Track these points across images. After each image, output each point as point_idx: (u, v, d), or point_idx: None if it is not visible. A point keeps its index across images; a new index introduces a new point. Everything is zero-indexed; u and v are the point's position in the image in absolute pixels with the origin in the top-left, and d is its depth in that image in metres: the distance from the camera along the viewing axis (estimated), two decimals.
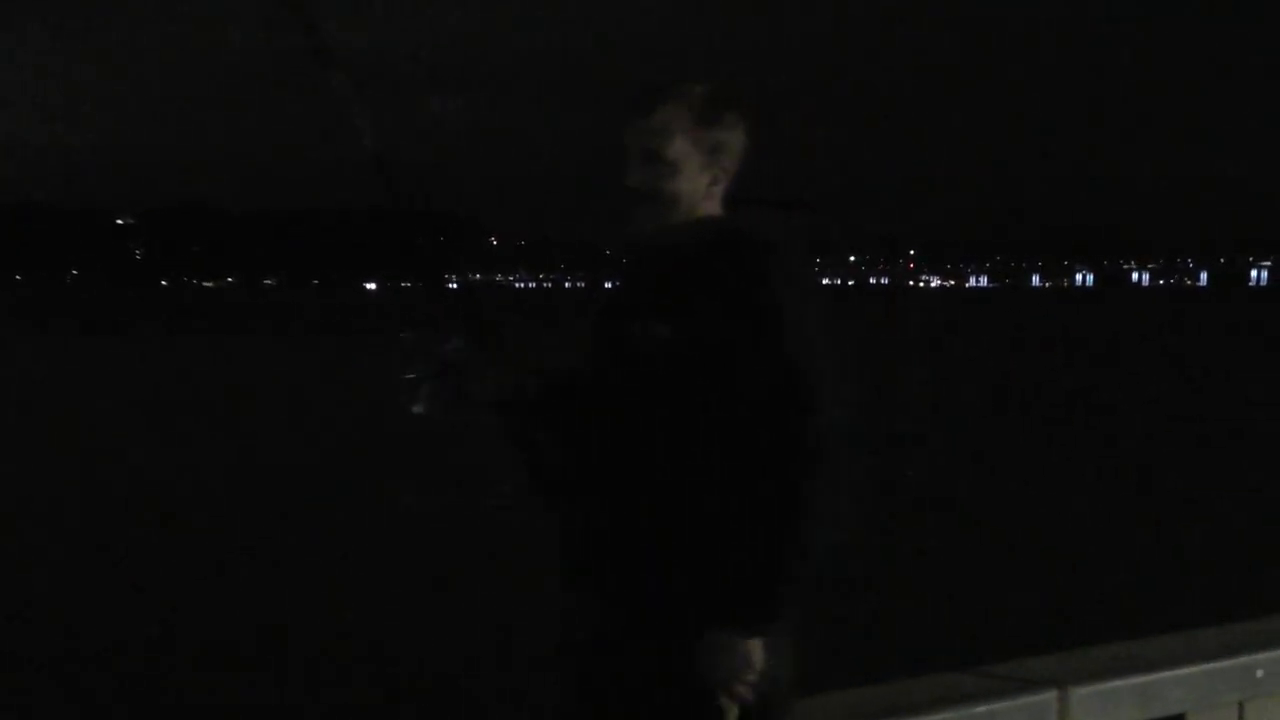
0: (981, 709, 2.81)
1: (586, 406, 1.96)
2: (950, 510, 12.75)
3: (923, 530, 11.38)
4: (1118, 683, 2.99)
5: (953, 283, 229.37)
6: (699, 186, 1.93)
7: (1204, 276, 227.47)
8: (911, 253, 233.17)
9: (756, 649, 1.82)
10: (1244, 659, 3.12)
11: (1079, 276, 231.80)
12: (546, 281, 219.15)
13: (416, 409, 1.91)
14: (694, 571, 1.84)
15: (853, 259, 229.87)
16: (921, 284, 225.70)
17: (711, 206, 1.96)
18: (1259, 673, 3.12)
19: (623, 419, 1.92)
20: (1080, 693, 2.93)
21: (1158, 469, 16.01)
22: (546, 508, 1.99)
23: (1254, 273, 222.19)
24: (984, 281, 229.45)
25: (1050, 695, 2.91)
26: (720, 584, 1.81)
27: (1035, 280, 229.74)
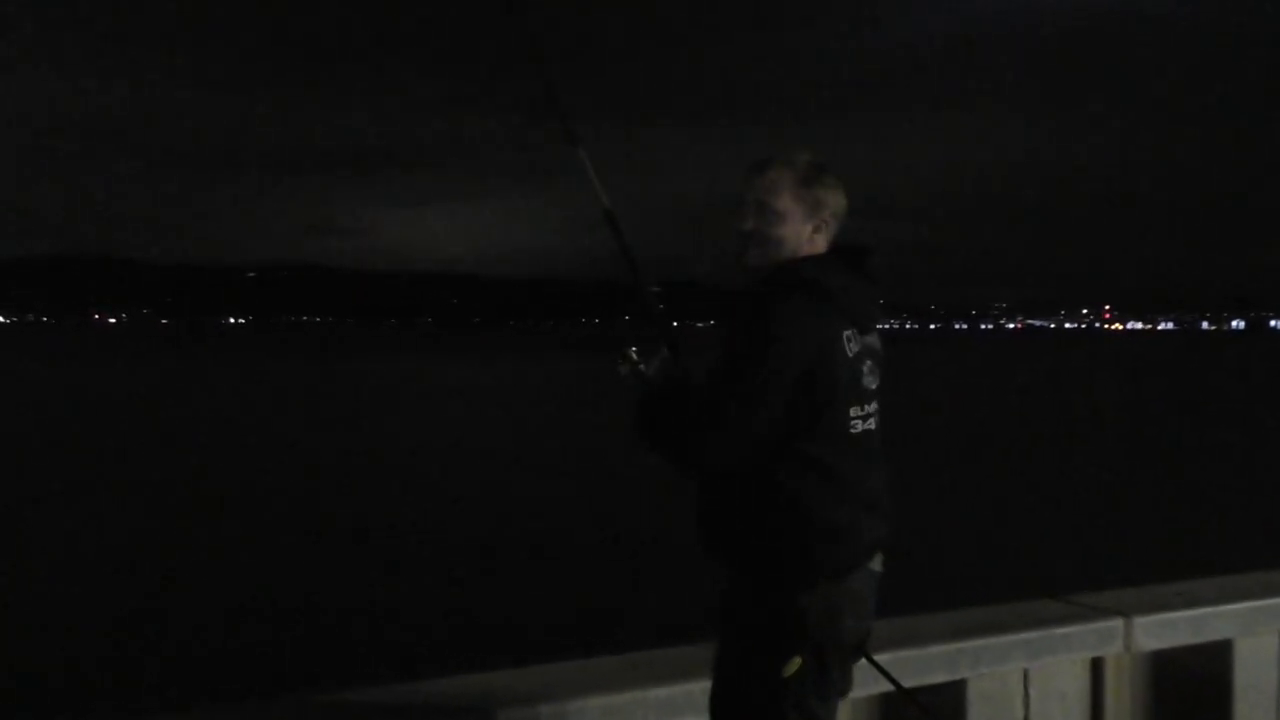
0: (1059, 631, 3.45)
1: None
2: None
3: None
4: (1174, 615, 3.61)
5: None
6: (802, 234, 2.29)
7: None
8: None
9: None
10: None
11: None
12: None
13: (645, 370, 2.51)
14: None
15: None
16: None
17: (814, 251, 2.30)
18: None
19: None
20: (1142, 621, 3.55)
21: None
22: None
23: None
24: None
25: (1117, 622, 3.53)
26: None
27: None
